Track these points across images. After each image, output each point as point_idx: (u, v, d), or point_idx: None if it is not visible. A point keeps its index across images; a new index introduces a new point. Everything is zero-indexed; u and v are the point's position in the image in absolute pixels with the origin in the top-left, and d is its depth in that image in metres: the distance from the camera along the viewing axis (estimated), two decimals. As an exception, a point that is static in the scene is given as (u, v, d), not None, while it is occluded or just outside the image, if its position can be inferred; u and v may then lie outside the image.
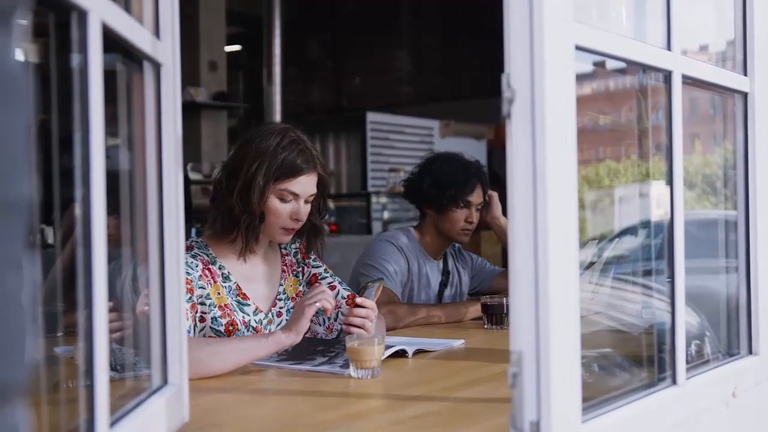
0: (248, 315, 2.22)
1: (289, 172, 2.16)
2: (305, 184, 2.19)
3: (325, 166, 2.28)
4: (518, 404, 1.18)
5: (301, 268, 2.40)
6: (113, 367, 1.24)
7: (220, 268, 2.22)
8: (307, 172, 2.19)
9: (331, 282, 2.38)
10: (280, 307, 2.32)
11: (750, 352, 1.80)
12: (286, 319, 2.28)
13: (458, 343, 2.36)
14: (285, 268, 2.37)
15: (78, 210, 1.00)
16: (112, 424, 1.07)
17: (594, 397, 1.32)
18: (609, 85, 1.78)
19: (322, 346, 2.16)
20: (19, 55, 0.60)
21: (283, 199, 2.18)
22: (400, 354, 2.12)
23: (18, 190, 0.56)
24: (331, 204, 7.67)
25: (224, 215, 2.19)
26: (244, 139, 2.24)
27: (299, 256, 2.41)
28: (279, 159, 2.14)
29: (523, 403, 1.17)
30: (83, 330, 1.00)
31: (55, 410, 1.18)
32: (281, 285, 2.34)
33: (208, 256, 2.21)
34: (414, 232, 3.09)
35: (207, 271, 2.17)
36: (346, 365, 1.92)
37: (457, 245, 3.20)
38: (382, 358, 1.93)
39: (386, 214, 7.51)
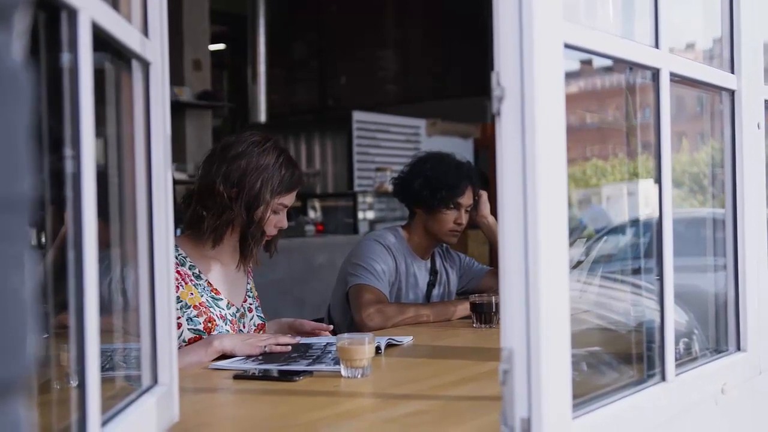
0: (223, 309, 2.29)
1: (289, 188, 2.30)
2: (294, 197, 2.35)
3: None
4: (509, 401, 1.18)
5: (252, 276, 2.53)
6: (102, 367, 1.24)
7: (190, 268, 2.27)
8: (299, 187, 2.33)
9: (258, 304, 2.52)
10: (250, 303, 2.42)
11: (738, 348, 1.81)
12: (257, 315, 2.42)
13: (407, 340, 2.37)
14: (249, 269, 2.47)
15: (68, 211, 0.99)
16: (104, 423, 1.07)
17: (584, 394, 1.33)
18: (595, 83, 1.79)
19: (302, 350, 2.16)
20: (19, 54, 0.60)
21: (276, 212, 2.30)
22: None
23: (20, 188, 0.57)
24: (317, 204, 7.66)
25: (224, 225, 2.26)
26: (235, 152, 2.27)
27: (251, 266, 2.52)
28: (280, 175, 2.26)
29: (513, 399, 1.17)
30: (74, 331, 0.99)
31: (44, 411, 1.17)
32: (248, 283, 2.45)
33: (176, 257, 2.24)
34: (402, 231, 3.09)
35: (176, 274, 2.20)
36: (337, 362, 1.91)
37: (445, 244, 3.20)
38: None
39: (373, 214, 7.50)
